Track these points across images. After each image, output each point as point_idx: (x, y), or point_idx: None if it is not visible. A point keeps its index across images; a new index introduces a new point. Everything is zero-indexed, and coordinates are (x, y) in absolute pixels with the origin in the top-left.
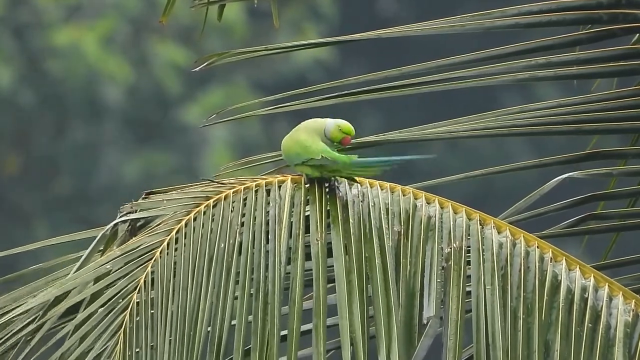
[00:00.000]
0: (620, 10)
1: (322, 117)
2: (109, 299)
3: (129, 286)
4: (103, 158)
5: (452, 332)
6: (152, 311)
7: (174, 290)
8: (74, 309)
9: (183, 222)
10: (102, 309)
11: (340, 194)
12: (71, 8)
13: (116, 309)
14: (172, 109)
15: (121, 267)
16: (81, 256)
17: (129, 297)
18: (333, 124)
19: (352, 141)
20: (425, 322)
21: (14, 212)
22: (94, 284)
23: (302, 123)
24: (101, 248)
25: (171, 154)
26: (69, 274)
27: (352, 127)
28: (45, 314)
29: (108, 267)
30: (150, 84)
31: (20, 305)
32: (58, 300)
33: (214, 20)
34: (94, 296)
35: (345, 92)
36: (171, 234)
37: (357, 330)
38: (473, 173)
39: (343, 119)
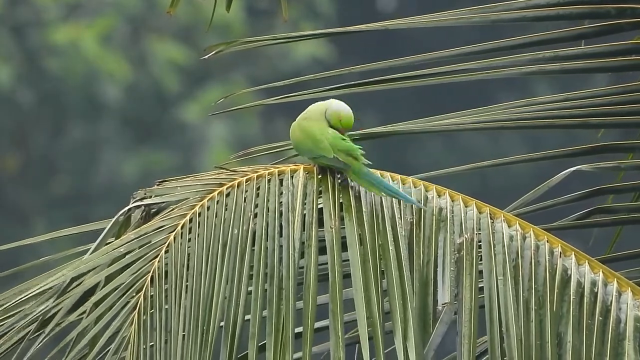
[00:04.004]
0: (629, 4)
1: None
2: (124, 281)
3: (143, 268)
4: (102, 156)
5: (466, 320)
6: (166, 294)
7: (188, 274)
8: (87, 293)
9: (197, 208)
10: (117, 290)
11: (352, 183)
12: (70, 6)
13: (131, 290)
14: (170, 108)
15: (135, 250)
16: (89, 249)
17: (143, 279)
18: (333, 112)
19: (357, 132)
20: (440, 308)
21: (13, 211)
22: (108, 267)
23: (310, 108)
24: (110, 240)
25: (170, 153)
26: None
27: (352, 119)
28: (62, 295)
29: (122, 250)
30: (149, 83)
31: (33, 289)
32: (72, 282)
33: (212, 20)
34: (109, 278)
35: (348, 83)
36: (185, 219)
37: (374, 313)
38: (481, 164)
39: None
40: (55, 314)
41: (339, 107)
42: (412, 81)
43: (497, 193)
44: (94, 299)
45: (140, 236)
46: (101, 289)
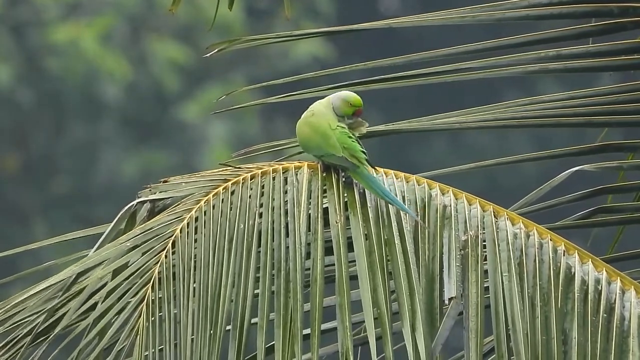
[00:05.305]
0: (631, 3)
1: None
2: (131, 274)
3: (150, 261)
4: (102, 156)
5: (472, 315)
6: (174, 286)
7: (195, 267)
8: (94, 286)
9: (202, 203)
10: (125, 283)
11: (356, 181)
12: (70, 6)
13: (139, 282)
14: (170, 107)
15: (142, 245)
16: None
17: (150, 271)
18: (339, 100)
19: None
20: (446, 302)
21: (13, 211)
22: (116, 261)
23: (314, 105)
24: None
25: (170, 152)
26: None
27: (359, 98)
28: (68, 290)
29: (129, 244)
30: (149, 82)
31: (39, 286)
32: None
33: (211, 20)
34: (116, 272)
35: (350, 81)
36: (191, 213)
37: (382, 307)
38: (482, 163)
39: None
40: (63, 308)
41: (339, 95)
42: (414, 80)
43: (507, 194)
44: (102, 292)
45: (147, 231)
46: (109, 282)
